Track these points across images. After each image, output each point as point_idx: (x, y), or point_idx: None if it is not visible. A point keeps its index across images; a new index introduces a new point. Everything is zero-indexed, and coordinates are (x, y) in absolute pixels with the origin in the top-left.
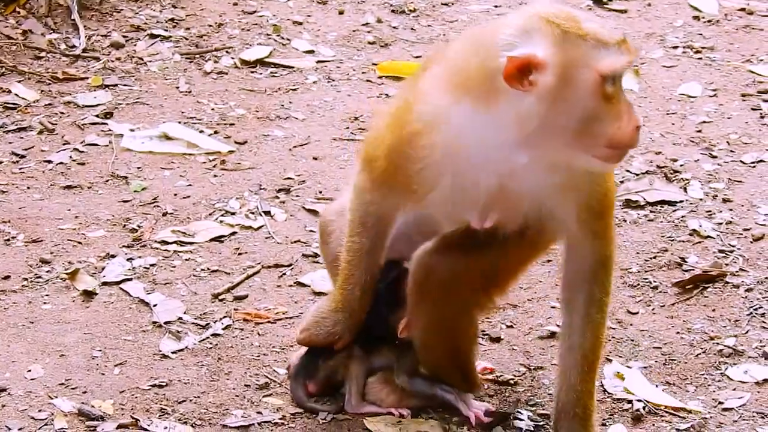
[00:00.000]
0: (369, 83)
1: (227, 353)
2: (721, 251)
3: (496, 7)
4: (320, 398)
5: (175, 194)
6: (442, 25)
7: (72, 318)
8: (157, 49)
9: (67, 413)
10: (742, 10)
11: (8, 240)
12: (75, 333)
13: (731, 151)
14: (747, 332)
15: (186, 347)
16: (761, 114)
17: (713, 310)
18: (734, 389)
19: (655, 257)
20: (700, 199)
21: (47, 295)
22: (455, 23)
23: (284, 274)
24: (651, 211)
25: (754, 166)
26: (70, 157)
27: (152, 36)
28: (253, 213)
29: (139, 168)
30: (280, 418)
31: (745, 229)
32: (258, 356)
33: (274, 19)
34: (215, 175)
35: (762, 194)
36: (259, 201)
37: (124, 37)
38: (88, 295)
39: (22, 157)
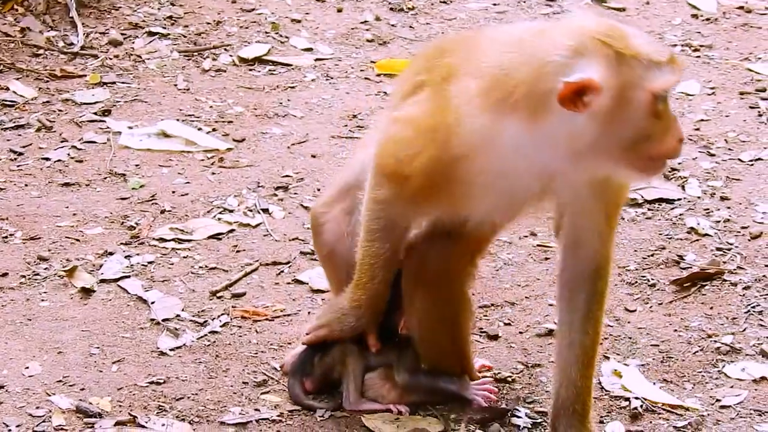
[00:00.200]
0: (367, 81)
1: (225, 350)
2: (718, 249)
3: (494, 5)
4: (318, 395)
5: (173, 192)
6: (440, 23)
7: (70, 315)
8: (156, 46)
9: (64, 410)
10: (741, 8)
11: (6, 237)
12: (73, 330)
13: (729, 149)
14: (744, 330)
15: (184, 344)
16: (759, 112)
17: (711, 308)
18: (732, 387)
19: (652, 255)
20: (698, 197)
21: (45, 292)
22: (454, 21)
23: (282, 271)
24: (649, 209)
25: (752, 164)
26: (68, 154)
27: (150, 33)
28: (251, 210)
29: (137, 165)
30: (278, 416)
31: (742, 227)
32: (256, 353)
33: (272, 16)
34: (213, 173)
35: (760, 192)
36: (257, 198)
37: (122, 34)
38: (86, 292)
39: (20, 154)
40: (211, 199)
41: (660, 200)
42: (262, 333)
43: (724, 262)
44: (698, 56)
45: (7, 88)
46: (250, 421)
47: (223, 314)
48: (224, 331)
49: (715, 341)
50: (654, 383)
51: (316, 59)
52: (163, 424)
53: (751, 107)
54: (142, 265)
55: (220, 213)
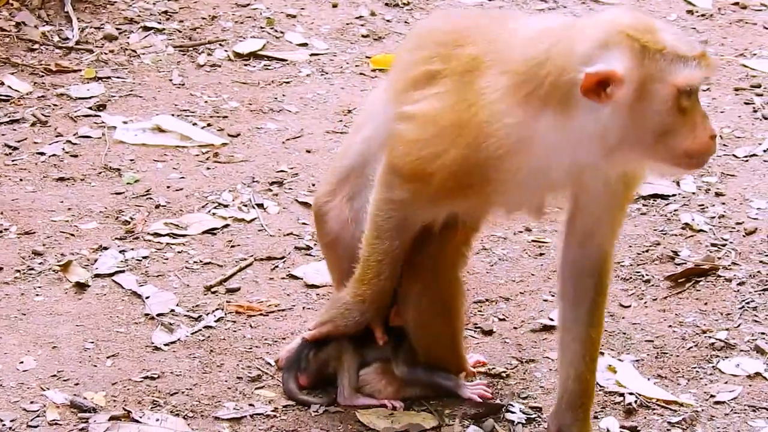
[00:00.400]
0: (362, 76)
1: (219, 345)
2: (713, 245)
3: (489, 0)
4: (312, 391)
5: (168, 186)
6: None
7: (64, 310)
8: (151, 41)
9: (59, 405)
10: (736, 4)
11: (1, 232)
12: (67, 325)
13: (724, 145)
14: (739, 326)
15: (178, 339)
16: (754, 108)
17: (705, 304)
18: (726, 382)
19: (647, 251)
20: (693, 193)
21: (40, 287)
22: None
23: (277, 266)
24: (644, 205)
25: (746, 160)
26: (63, 149)
27: (145, 28)
28: (245, 205)
29: (132, 160)
30: (272, 411)
31: (737, 223)
32: (250, 348)
33: (267, 11)
34: (208, 168)
35: (754, 188)
36: (252, 194)
37: (117, 29)
38: (81, 287)
39: (15, 149)
40: (206, 194)
41: (655, 196)
42: (256, 328)
43: (719, 258)
44: None
45: (2, 83)
46: (245, 416)
47: (217, 309)
48: (219, 326)
49: (710, 337)
50: (648, 379)
51: (311, 54)
52: (158, 419)
53: (746, 103)
54: (137, 259)
55: (214, 208)
